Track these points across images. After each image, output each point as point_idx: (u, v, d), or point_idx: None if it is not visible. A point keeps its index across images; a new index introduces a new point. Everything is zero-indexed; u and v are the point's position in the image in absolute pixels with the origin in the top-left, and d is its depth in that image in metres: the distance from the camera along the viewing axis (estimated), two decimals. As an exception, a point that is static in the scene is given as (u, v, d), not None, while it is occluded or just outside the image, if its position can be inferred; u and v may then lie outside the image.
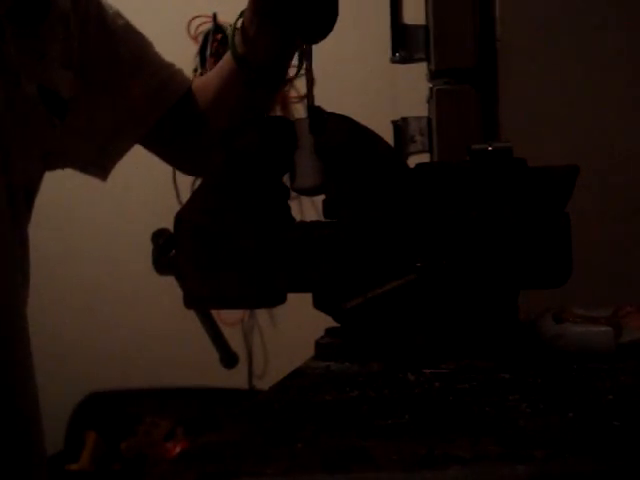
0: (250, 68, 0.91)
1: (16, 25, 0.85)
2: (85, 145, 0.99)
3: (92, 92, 0.97)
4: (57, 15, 0.90)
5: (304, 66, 0.83)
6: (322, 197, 0.79)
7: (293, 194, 0.81)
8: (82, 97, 0.95)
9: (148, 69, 1.01)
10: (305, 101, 0.80)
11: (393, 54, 1.36)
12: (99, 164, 1.03)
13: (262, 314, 2.67)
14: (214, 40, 2.56)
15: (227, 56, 0.96)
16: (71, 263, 2.71)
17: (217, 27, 2.57)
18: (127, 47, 1.00)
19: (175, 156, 1.08)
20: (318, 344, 0.79)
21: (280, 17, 0.83)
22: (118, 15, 1.02)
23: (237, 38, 0.92)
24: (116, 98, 0.99)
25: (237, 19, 0.92)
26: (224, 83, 0.97)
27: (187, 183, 2.35)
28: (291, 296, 0.80)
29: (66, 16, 0.92)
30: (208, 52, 2.56)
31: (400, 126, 1.40)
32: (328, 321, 0.79)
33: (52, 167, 0.95)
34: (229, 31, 0.93)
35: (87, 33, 0.96)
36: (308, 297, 0.78)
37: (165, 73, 1.02)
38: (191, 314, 0.84)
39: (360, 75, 2.53)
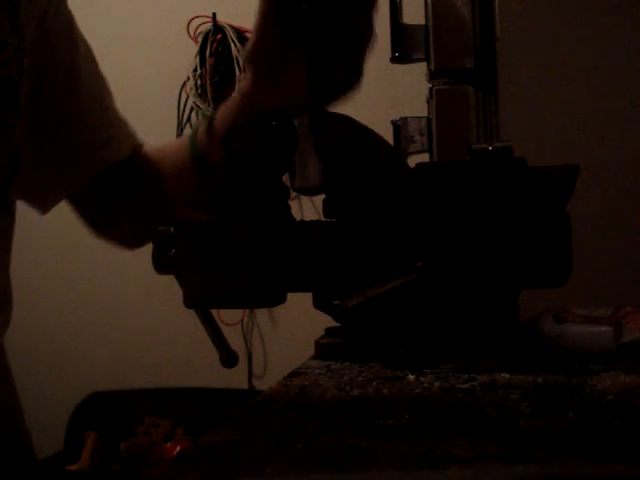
0: (206, 167, 0.89)
1: None
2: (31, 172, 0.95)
3: (43, 124, 0.94)
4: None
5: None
6: (322, 197, 0.79)
7: (293, 194, 0.81)
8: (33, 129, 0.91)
9: (103, 119, 0.98)
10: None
11: (393, 54, 1.36)
12: (36, 196, 1.00)
13: (262, 314, 2.67)
14: (214, 40, 2.56)
15: (182, 145, 0.93)
16: (71, 263, 2.71)
17: (217, 27, 2.57)
18: (89, 92, 0.96)
19: (102, 223, 1.04)
20: (318, 344, 0.79)
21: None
22: (89, 51, 0.98)
23: (200, 138, 0.90)
24: (63, 143, 0.96)
25: (204, 120, 0.90)
26: (177, 169, 0.94)
27: (187, 183, 2.35)
28: (291, 296, 0.80)
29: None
30: (208, 52, 2.56)
31: (400, 126, 1.40)
32: (328, 321, 0.79)
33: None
34: (191, 129, 0.91)
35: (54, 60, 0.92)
36: (308, 297, 0.78)
37: (114, 131, 0.98)
38: (191, 314, 0.84)
39: (360, 75, 2.52)
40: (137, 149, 1.00)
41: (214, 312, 0.85)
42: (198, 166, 0.90)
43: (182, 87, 2.57)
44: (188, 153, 0.92)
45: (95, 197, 1.00)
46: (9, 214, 0.87)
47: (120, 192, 0.99)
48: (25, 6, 0.86)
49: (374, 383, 0.65)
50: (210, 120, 0.89)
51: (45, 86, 0.93)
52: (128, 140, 0.99)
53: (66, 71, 0.94)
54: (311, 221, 0.80)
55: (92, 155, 0.97)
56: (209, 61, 2.56)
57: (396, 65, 1.41)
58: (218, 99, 2.52)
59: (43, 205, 1.01)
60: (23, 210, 0.95)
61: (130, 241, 1.05)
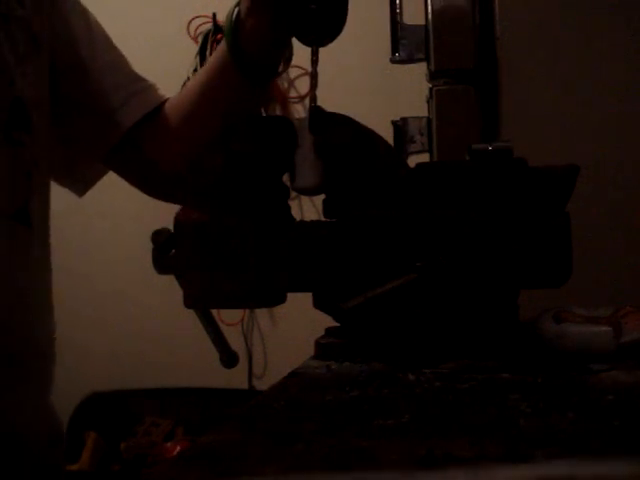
0: (245, 59, 0.88)
1: None
2: (57, 154, 0.97)
3: (64, 96, 0.94)
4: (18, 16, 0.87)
5: (289, 63, 0.82)
6: (322, 197, 0.79)
7: (293, 194, 0.81)
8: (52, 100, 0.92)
9: (121, 81, 0.98)
10: (305, 101, 0.80)
11: (393, 54, 1.36)
12: (72, 177, 1.01)
13: (262, 314, 2.67)
14: (214, 40, 2.56)
15: (217, 52, 0.92)
16: (71, 263, 2.71)
17: (217, 27, 2.57)
18: (104, 57, 0.97)
19: (137, 178, 1.03)
20: (318, 344, 0.79)
21: (288, 21, 0.82)
22: (97, 23, 0.99)
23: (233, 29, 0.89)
24: (82, 113, 0.96)
25: (234, 7, 0.89)
26: (213, 83, 0.93)
27: (187, 183, 2.35)
28: (291, 296, 0.80)
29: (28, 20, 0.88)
30: (208, 52, 2.56)
31: (400, 126, 1.40)
32: (328, 321, 0.79)
33: None
34: (226, 21, 0.90)
35: (68, 32, 0.94)
36: (308, 297, 0.78)
37: (136, 87, 0.99)
38: (191, 314, 0.84)
39: (360, 75, 2.52)
40: (160, 104, 1.00)
41: (214, 312, 0.85)
42: (236, 55, 0.89)
43: (182, 87, 2.57)
44: (221, 59, 0.91)
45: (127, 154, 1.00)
46: (29, 228, 0.88)
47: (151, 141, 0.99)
48: None
49: (374, 383, 0.65)
50: (238, 10, 0.88)
51: (61, 56, 0.94)
52: (144, 99, 0.99)
53: (82, 38, 0.95)
54: (311, 221, 0.80)
55: (111, 117, 0.97)
56: (209, 61, 2.56)
57: (396, 65, 1.41)
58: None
59: (79, 182, 1.02)
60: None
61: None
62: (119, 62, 1.00)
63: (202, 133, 0.94)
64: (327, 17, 0.79)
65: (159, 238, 0.80)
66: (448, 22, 1.28)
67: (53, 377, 0.93)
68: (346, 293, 0.75)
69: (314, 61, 0.80)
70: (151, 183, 1.02)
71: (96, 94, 0.96)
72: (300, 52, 0.89)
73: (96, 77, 0.96)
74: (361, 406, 0.59)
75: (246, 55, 0.88)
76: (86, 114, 0.97)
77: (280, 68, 0.91)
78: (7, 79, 0.84)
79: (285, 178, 0.80)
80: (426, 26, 1.32)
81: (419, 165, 0.79)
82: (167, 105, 1.00)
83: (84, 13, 0.98)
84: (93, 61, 0.96)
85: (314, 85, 0.79)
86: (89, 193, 1.05)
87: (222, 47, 0.91)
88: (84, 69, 0.96)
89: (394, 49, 1.36)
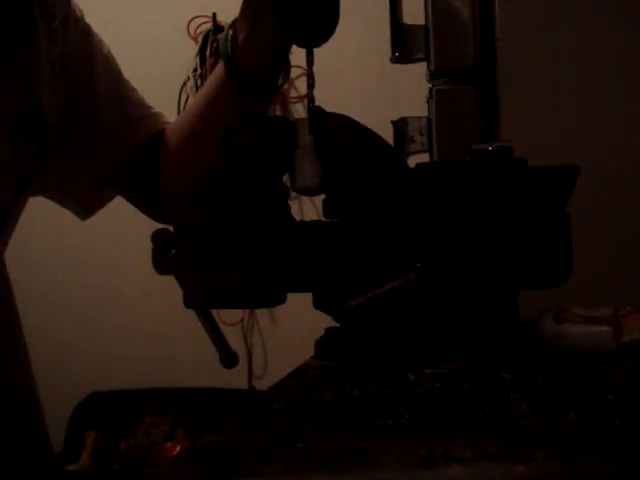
0: (243, 76, 0.89)
1: (1, 44, 0.85)
2: (58, 172, 0.97)
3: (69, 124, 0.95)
4: (42, 35, 0.89)
5: (288, 78, 0.83)
6: (322, 197, 0.79)
7: (293, 194, 0.81)
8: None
9: (122, 107, 0.99)
10: (305, 101, 0.80)
11: (393, 54, 1.36)
12: (73, 197, 1.01)
13: (262, 314, 2.67)
14: (214, 40, 2.56)
15: (215, 72, 0.93)
16: (71, 263, 2.71)
17: (217, 27, 2.57)
18: (104, 80, 0.98)
19: (141, 201, 1.03)
20: (318, 344, 0.79)
21: (281, 21, 0.82)
22: (101, 43, 1.00)
23: (229, 46, 0.90)
24: (85, 132, 0.97)
25: (229, 28, 0.90)
26: (213, 102, 0.94)
27: (187, 183, 2.35)
28: (291, 296, 0.80)
29: (51, 38, 0.90)
30: (208, 52, 2.56)
31: (400, 126, 1.40)
32: (328, 321, 0.79)
33: (33, 192, 0.94)
34: (221, 42, 0.91)
35: (74, 60, 0.95)
36: (308, 297, 0.78)
37: (138, 112, 1.00)
38: (191, 314, 0.84)
39: (360, 75, 2.52)
40: (161, 130, 1.00)
41: (214, 312, 0.85)
42: (231, 70, 0.90)
43: (182, 87, 2.57)
44: (220, 79, 0.92)
45: (129, 178, 1.01)
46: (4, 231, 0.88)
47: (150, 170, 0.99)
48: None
49: (374, 383, 0.65)
50: (234, 28, 0.89)
51: (77, 77, 0.95)
52: (148, 123, 1.00)
53: (83, 63, 0.96)
54: (311, 221, 0.80)
55: (119, 134, 0.98)
56: (209, 61, 2.55)
57: (396, 65, 1.41)
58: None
59: (80, 204, 1.02)
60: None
61: None
62: (130, 93, 1.01)
63: (203, 152, 0.94)
64: (319, 18, 0.80)
65: (159, 238, 0.80)
66: (448, 22, 1.28)
67: None
68: (346, 293, 0.75)
69: (309, 62, 0.80)
70: (152, 205, 1.02)
71: (103, 113, 0.97)
72: (301, 51, 0.89)
73: (105, 100, 0.97)
74: (361, 406, 0.59)
75: (244, 72, 0.89)
76: (94, 131, 0.97)
77: (280, 82, 0.92)
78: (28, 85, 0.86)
79: (285, 178, 0.80)
80: (426, 26, 1.32)
81: (419, 165, 0.79)
82: (168, 128, 1.01)
83: (100, 42, 0.99)
84: (106, 87, 0.98)
85: (311, 85, 0.79)
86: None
87: (220, 67, 0.92)
88: (96, 95, 0.97)
89: (394, 49, 1.35)
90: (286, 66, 0.92)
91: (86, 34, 0.97)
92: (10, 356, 0.87)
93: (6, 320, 0.86)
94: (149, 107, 1.02)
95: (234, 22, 0.90)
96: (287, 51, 0.90)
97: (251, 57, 0.88)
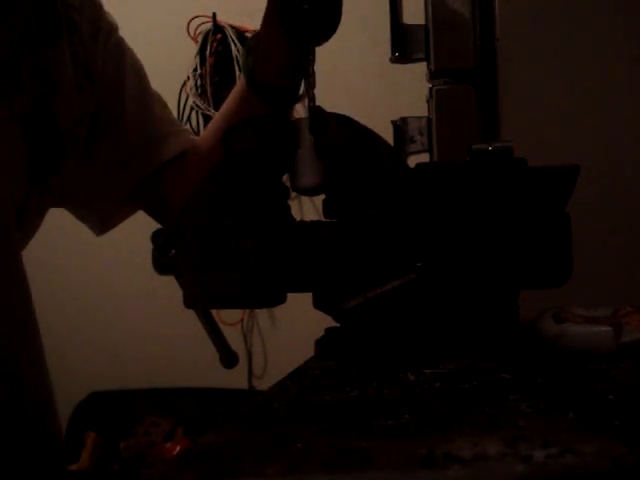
0: (265, 88, 0.91)
1: (30, 47, 0.85)
2: (80, 190, 0.97)
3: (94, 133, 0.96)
4: (66, 44, 0.90)
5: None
6: (322, 197, 0.79)
7: (293, 194, 0.81)
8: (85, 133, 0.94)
9: (149, 124, 0.99)
10: (305, 101, 0.80)
11: (393, 54, 1.36)
12: (92, 211, 1.02)
13: (262, 314, 2.67)
14: (214, 40, 2.56)
15: (237, 87, 0.95)
16: (71, 263, 2.71)
17: (217, 27, 2.57)
18: (132, 96, 0.98)
19: (164, 216, 1.03)
20: (318, 344, 0.79)
21: (285, 20, 0.82)
22: (133, 58, 1.00)
23: (250, 59, 0.92)
24: (111, 148, 0.97)
25: (249, 41, 0.92)
26: (235, 113, 0.95)
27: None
28: (291, 296, 0.80)
29: (77, 44, 0.91)
30: (208, 52, 2.56)
31: (400, 126, 1.40)
32: (328, 321, 0.79)
33: (54, 204, 0.94)
34: (241, 53, 0.93)
35: (103, 73, 0.95)
36: (308, 297, 0.78)
37: (164, 130, 1.00)
38: (191, 314, 0.84)
39: (360, 75, 2.53)
40: (187, 148, 1.01)
41: (214, 312, 0.85)
42: (252, 83, 0.92)
43: (182, 87, 2.57)
44: (242, 93, 0.94)
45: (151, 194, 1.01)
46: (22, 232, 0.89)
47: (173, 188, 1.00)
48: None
49: (374, 383, 0.65)
50: (254, 41, 0.91)
51: (106, 92, 0.96)
52: (174, 140, 1.00)
53: (112, 78, 0.97)
54: (311, 221, 0.80)
55: (148, 149, 0.98)
56: (209, 61, 2.56)
57: (396, 65, 1.41)
58: (218, 99, 2.52)
59: (102, 220, 1.03)
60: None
61: None
62: (158, 109, 1.02)
63: None
64: (320, 17, 0.80)
65: (159, 238, 0.80)
66: (448, 22, 1.28)
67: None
68: (346, 293, 0.75)
69: (310, 60, 0.80)
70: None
71: (130, 129, 0.98)
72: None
73: (133, 116, 0.98)
74: (361, 406, 0.59)
75: (265, 84, 0.90)
76: (119, 147, 0.98)
77: (300, 92, 0.93)
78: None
79: (285, 178, 0.80)
80: (426, 26, 1.32)
81: (419, 165, 0.79)
82: (192, 144, 1.02)
83: (132, 58, 1.00)
84: (134, 104, 0.98)
85: (311, 84, 0.79)
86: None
87: (241, 81, 0.94)
88: (124, 110, 0.97)
89: (394, 49, 1.35)
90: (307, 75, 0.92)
91: (118, 48, 0.98)
92: (28, 359, 0.87)
93: (24, 319, 0.87)
94: (177, 124, 1.04)
95: (254, 36, 0.91)
96: (307, 61, 0.90)
97: (270, 69, 0.90)
